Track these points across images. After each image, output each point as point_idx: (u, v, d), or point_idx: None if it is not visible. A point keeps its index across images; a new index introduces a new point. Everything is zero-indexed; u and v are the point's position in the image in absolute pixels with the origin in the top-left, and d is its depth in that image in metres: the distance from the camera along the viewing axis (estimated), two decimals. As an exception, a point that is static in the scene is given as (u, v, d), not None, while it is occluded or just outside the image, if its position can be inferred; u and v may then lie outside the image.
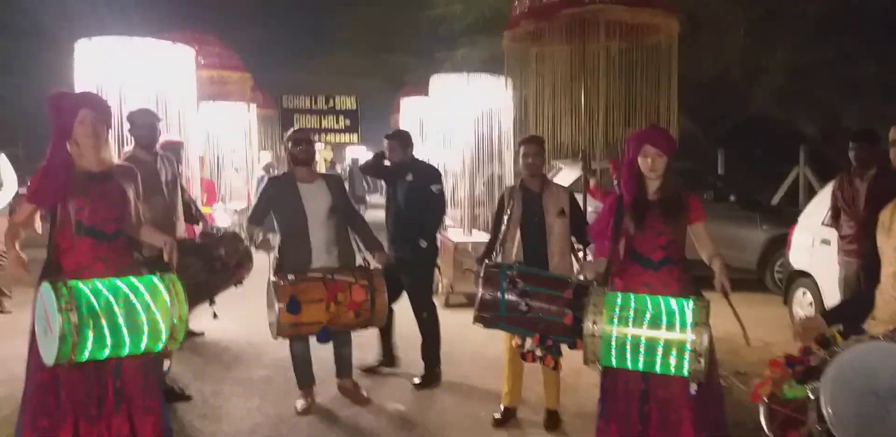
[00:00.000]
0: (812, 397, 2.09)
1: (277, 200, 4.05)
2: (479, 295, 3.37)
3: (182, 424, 3.85)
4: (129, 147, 4.39)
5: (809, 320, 2.51)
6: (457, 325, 6.07)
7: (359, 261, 4.10)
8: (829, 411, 2.02)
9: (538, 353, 3.33)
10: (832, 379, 2.05)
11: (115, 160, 3.14)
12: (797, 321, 2.57)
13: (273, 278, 3.79)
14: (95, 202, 2.87)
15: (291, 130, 4.38)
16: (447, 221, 7.79)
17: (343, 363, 4.25)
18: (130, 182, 3.04)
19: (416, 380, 4.57)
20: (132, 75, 5.03)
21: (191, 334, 5.02)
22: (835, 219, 4.75)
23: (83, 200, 2.85)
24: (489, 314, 3.36)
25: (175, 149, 5.05)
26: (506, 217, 3.91)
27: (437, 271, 7.63)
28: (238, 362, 5.03)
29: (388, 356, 4.86)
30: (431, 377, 4.61)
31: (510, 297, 3.29)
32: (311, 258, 3.93)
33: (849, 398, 2.02)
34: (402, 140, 4.72)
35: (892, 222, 2.41)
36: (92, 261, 2.85)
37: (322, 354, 4.27)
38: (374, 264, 4.14)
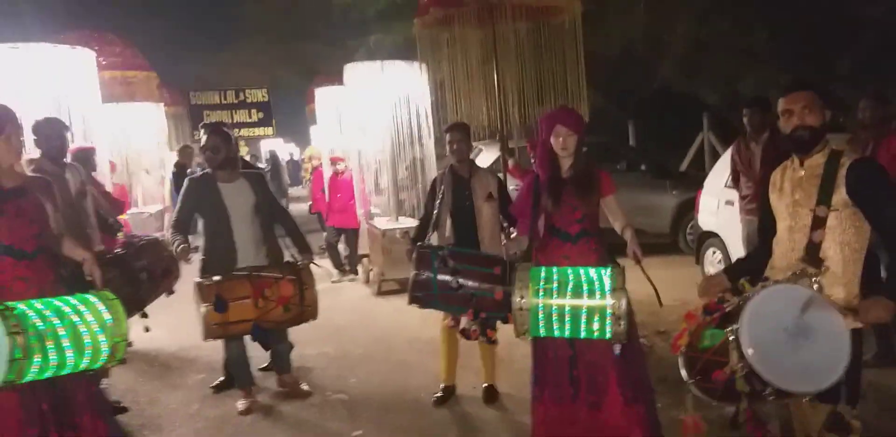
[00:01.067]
0: (731, 338, 2.28)
1: (199, 201, 3.98)
2: (413, 276, 3.43)
3: None
4: (29, 156, 4.19)
5: (712, 277, 2.72)
6: (391, 311, 6.16)
7: (286, 258, 4.06)
8: (749, 349, 2.21)
9: (474, 328, 3.43)
10: (748, 321, 2.24)
11: (27, 173, 3.01)
12: (702, 279, 2.77)
13: (197, 280, 3.75)
14: (11, 220, 2.73)
15: (201, 130, 4.26)
16: (373, 209, 7.82)
17: (280, 360, 4.25)
18: (47, 195, 2.91)
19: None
20: (31, 82, 4.83)
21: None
22: (735, 181, 5.07)
23: None
24: (423, 294, 3.43)
25: (86, 156, 4.84)
26: (437, 202, 4.00)
27: (366, 260, 7.70)
28: (171, 369, 4.94)
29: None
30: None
31: (442, 276, 3.37)
32: (236, 258, 3.89)
33: (764, 336, 2.23)
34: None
35: (782, 182, 2.61)
36: (12, 280, 2.73)
37: (258, 352, 4.26)
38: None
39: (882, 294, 2.25)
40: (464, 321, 3.54)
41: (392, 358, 4.95)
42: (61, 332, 2.55)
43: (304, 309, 3.86)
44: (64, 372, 2.61)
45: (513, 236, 4.15)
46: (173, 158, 9.98)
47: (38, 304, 2.58)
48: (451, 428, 3.72)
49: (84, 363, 2.64)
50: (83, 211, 4.13)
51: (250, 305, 3.66)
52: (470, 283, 3.33)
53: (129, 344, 5.29)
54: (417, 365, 4.73)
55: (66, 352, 2.56)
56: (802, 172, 2.51)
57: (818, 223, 2.42)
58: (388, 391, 4.30)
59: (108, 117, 6.62)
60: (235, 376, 4.11)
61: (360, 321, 5.78)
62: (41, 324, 2.52)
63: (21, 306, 2.53)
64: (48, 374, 2.56)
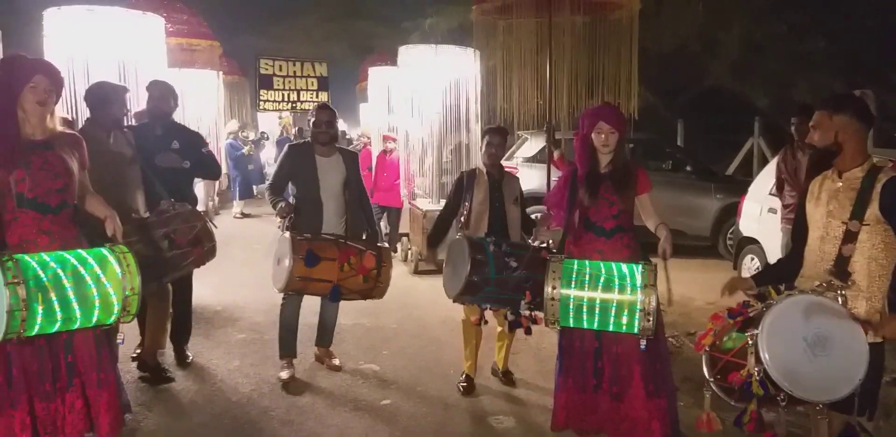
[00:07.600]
0: (751, 342, 2.37)
1: (295, 169, 4.18)
2: (470, 260, 3.42)
3: (168, 384, 4.05)
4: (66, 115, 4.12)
5: (739, 279, 2.79)
6: (427, 290, 6.36)
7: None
8: (766, 355, 2.30)
9: (525, 313, 3.52)
10: (768, 327, 2.34)
11: (59, 128, 2.94)
12: (729, 278, 2.84)
13: (288, 234, 3.86)
14: (36, 173, 2.74)
15: (315, 106, 4.42)
16: (415, 189, 7.98)
17: (325, 333, 4.46)
18: (74, 151, 2.89)
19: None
20: (102, 45, 4.99)
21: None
22: (779, 189, 5.09)
23: (24, 171, 2.71)
24: (479, 278, 3.42)
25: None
26: (472, 199, 4.08)
27: (406, 238, 7.90)
28: (215, 327, 5.22)
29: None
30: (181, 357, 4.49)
31: (498, 257, 3.46)
32: (321, 225, 4.10)
33: (782, 343, 2.32)
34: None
35: (820, 191, 2.65)
36: (36, 234, 2.75)
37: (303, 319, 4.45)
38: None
39: None
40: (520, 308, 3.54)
41: (424, 335, 5.14)
42: (66, 283, 2.50)
43: (377, 285, 3.99)
44: (74, 326, 2.59)
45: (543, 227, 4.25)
46: (229, 126, 10.22)
47: (45, 256, 2.55)
48: (476, 404, 3.90)
49: (95, 318, 2.60)
50: (123, 178, 3.91)
51: (335, 267, 3.79)
52: (525, 262, 3.38)
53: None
54: (448, 343, 4.91)
55: (72, 305, 2.51)
56: (840, 184, 2.57)
57: (850, 237, 2.48)
58: (418, 365, 4.50)
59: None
60: (281, 343, 4.26)
61: (395, 298, 5.94)
62: (43, 275, 2.47)
63: (26, 257, 2.50)
64: (56, 328, 2.53)
